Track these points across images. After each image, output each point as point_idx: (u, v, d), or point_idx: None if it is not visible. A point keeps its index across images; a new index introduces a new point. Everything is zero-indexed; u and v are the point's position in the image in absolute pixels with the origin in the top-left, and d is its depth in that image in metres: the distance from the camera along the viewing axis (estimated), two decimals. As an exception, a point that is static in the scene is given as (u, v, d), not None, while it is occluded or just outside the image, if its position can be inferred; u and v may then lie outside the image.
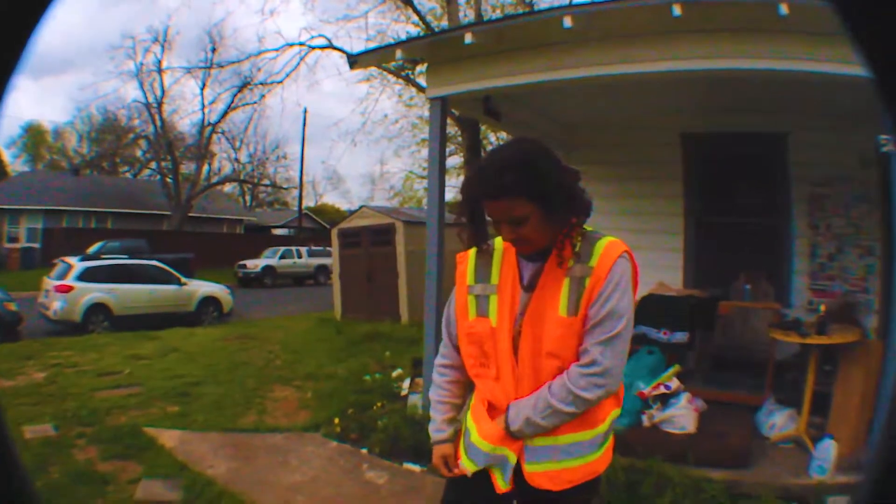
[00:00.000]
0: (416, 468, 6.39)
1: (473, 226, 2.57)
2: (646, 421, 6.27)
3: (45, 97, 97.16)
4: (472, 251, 2.68)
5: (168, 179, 43.35)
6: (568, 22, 6.12)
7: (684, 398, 6.30)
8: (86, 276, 17.71)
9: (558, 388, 2.41)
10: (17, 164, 61.88)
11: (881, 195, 7.76)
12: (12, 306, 15.97)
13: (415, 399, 7.72)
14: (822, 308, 6.82)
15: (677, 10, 5.69)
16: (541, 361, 2.47)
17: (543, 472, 2.52)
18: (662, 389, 6.33)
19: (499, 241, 2.63)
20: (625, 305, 2.40)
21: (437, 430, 2.78)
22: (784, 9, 5.34)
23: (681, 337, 7.28)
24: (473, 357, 2.62)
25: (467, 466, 2.63)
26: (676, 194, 9.47)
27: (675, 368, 6.60)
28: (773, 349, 7.19)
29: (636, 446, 5.88)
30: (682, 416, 6.19)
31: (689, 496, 5.39)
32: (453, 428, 2.76)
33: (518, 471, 2.54)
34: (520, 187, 2.34)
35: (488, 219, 2.51)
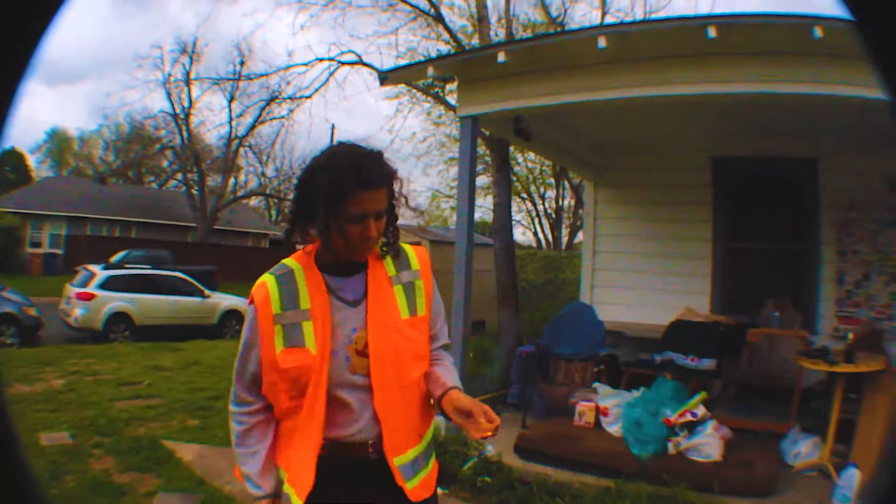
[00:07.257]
0: (440, 490, 6.31)
1: (331, 226, 2.25)
2: (671, 448, 6.18)
3: (61, 104, 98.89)
4: (269, 277, 2.39)
5: (194, 191, 43.30)
6: (602, 42, 6.09)
7: (710, 426, 6.21)
8: (108, 284, 17.76)
9: (452, 363, 2.61)
10: (41, 170, 62.39)
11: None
12: (32, 311, 16.03)
13: (438, 420, 7.63)
14: (851, 336, 6.71)
15: (712, 32, 5.68)
16: (407, 368, 2.38)
17: (420, 482, 2.42)
18: (689, 417, 6.24)
19: (291, 262, 2.42)
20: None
21: (256, 485, 2.36)
22: (818, 31, 5.33)
23: (708, 364, 7.20)
24: (285, 394, 2.31)
25: None
26: (705, 219, 9.41)
27: (703, 395, 6.51)
28: (799, 377, 7.09)
29: (661, 474, 5.81)
30: (709, 444, 6.10)
31: (714, 526, 5.32)
32: (275, 479, 2.38)
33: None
34: (391, 177, 2.29)
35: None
